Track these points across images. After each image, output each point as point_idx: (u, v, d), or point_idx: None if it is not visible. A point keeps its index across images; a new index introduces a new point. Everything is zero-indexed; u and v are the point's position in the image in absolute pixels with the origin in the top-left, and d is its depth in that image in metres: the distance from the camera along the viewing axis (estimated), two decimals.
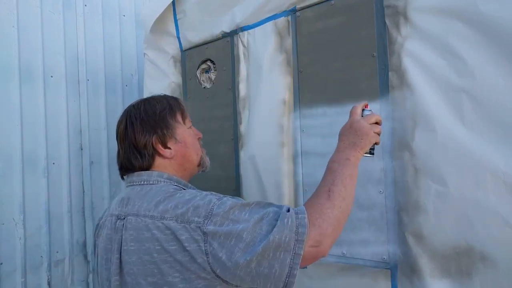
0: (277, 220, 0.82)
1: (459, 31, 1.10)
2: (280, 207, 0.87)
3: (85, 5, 2.50)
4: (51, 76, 2.29)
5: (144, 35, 2.13)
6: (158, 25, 2.01)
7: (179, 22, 1.96)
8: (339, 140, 1.01)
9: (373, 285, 1.27)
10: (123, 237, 0.92)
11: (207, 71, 1.89)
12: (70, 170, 2.34)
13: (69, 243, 2.30)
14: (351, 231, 1.32)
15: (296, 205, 1.48)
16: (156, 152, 1.01)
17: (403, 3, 1.20)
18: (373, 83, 1.28)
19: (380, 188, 1.25)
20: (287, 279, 0.80)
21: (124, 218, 0.94)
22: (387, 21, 1.25)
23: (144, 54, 2.13)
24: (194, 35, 1.90)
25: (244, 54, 1.69)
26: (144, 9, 2.25)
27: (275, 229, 0.80)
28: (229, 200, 0.88)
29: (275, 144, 1.51)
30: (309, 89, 1.46)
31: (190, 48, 1.94)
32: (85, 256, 2.40)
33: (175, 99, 1.11)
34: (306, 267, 1.43)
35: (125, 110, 1.07)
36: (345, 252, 1.33)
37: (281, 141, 1.50)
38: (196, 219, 0.84)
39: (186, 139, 1.05)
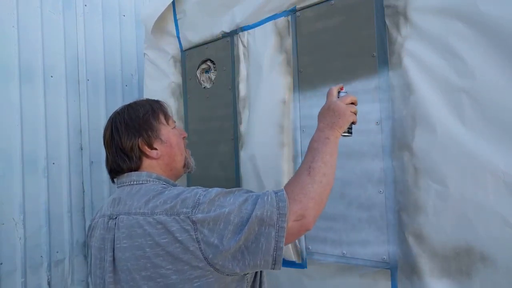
0: (258, 199, 0.88)
1: (459, 31, 1.09)
2: (260, 192, 0.93)
3: (85, 5, 2.49)
4: (51, 76, 2.29)
5: (144, 35, 2.13)
6: (158, 25, 2.00)
7: (179, 22, 1.96)
8: (319, 121, 1.06)
9: (373, 285, 1.27)
10: (115, 235, 0.96)
11: (207, 71, 1.89)
12: (70, 170, 2.34)
13: (69, 243, 2.29)
14: (351, 231, 1.32)
15: None
16: (143, 153, 1.05)
17: (403, 3, 1.20)
18: (373, 83, 1.28)
19: (380, 188, 1.25)
20: (274, 252, 0.84)
21: (116, 218, 0.97)
22: (387, 21, 1.25)
23: (144, 54, 2.13)
24: (194, 35, 1.90)
25: (244, 54, 1.69)
26: (144, 9, 2.25)
27: (256, 206, 0.86)
28: (214, 190, 0.93)
29: (275, 144, 1.51)
30: (309, 89, 1.46)
31: (190, 48, 1.94)
32: (85, 256, 2.40)
33: (157, 101, 1.15)
34: (304, 266, 1.43)
35: (110, 117, 1.12)
36: (345, 252, 1.33)
37: (281, 141, 1.50)
38: (184, 210, 0.88)
39: (171, 139, 1.10)
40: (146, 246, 0.89)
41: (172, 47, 2.02)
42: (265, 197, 0.88)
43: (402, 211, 1.20)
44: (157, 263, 0.88)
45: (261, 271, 1.03)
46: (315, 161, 0.95)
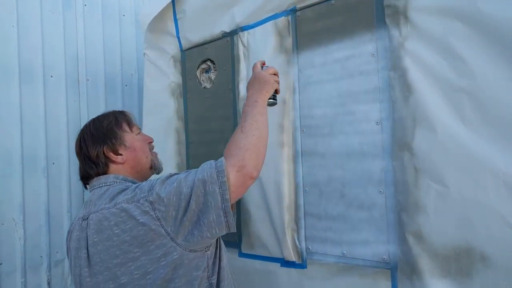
0: (199, 169, 1.00)
1: (459, 31, 1.09)
2: None
3: (85, 5, 2.49)
4: (51, 76, 2.29)
5: (144, 35, 2.13)
6: (158, 25, 2.00)
7: (179, 22, 1.96)
8: (248, 90, 1.22)
9: (373, 285, 1.27)
10: (88, 233, 1.04)
11: (207, 71, 1.89)
12: (70, 170, 2.33)
13: None
14: (351, 231, 1.32)
15: (296, 206, 1.48)
16: (108, 159, 1.15)
17: (403, 3, 1.20)
18: (373, 83, 1.28)
19: (380, 188, 1.25)
20: (222, 204, 0.94)
21: (87, 218, 1.06)
22: (387, 21, 1.25)
23: (144, 54, 2.13)
24: (194, 35, 1.90)
25: (244, 54, 1.68)
26: (143, 9, 2.24)
27: (197, 173, 0.98)
28: (166, 174, 1.05)
29: (275, 144, 1.51)
30: (309, 89, 1.46)
31: (190, 48, 1.94)
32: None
33: (121, 112, 1.26)
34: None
35: (80, 130, 1.22)
36: (345, 252, 1.33)
37: (281, 141, 1.50)
38: (142, 195, 0.99)
39: (134, 144, 1.20)
40: (113, 235, 0.98)
41: (172, 47, 2.02)
42: (205, 165, 1.00)
43: (402, 211, 1.20)
44: (125, 248, 0.97)
45: (220, 248, 1.10)
46: (246, 121, 1.08)
